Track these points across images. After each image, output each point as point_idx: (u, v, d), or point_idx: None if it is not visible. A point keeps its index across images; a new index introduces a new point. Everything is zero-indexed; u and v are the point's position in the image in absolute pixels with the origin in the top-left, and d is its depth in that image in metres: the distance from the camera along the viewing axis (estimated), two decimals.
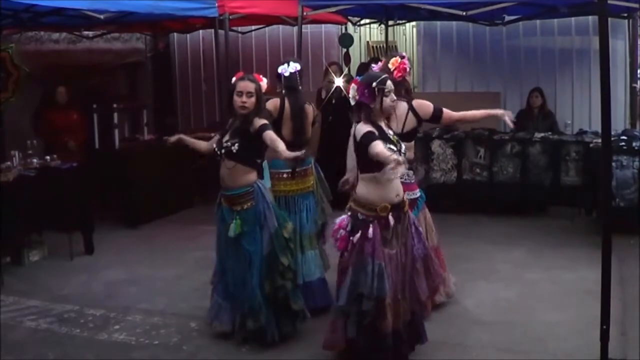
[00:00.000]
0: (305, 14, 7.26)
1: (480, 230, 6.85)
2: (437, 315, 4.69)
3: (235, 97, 4.25)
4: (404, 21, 9.98)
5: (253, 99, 4.24)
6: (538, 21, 8.53)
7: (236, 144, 4.23)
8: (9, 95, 7.14)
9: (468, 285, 5.26)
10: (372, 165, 3.69)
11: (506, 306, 4.94)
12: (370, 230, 3.73)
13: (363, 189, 3.81)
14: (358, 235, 3.77)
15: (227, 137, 4.31)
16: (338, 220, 3.93)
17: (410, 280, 3.90)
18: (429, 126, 6.42)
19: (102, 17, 6.30)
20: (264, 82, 4.40)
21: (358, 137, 3.71)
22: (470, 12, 6.97)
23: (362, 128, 3.71)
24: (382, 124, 3.82)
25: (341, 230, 3.87)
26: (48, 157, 6.39)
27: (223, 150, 4.28)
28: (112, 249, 6.60)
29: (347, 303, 3.75)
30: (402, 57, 4.58)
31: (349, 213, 3.88)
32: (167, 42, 10.12)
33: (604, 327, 3.86)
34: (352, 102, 3.82)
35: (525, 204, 7.56)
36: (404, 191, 3.97)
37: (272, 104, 4.76)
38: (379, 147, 3.55)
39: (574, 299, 5.01)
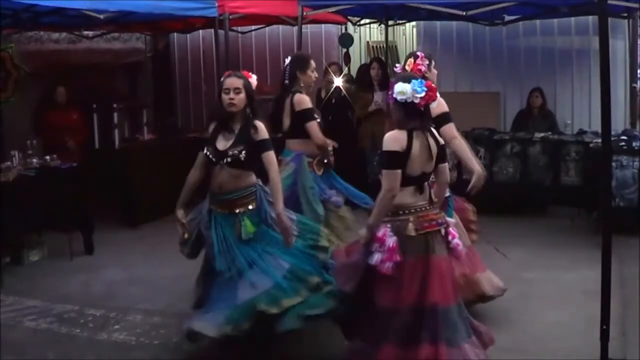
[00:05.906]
0: (305, 13, 7.26)
1: (480, 230, 6.83)
2: None
3: (224, 95, 4.03)
4: (404, 21, 9.98)
5: (242, 95, 4.04)
6: (538, 21, 8.51)
7: (243, 152, 4.01)
8: (9, 95, 7.14)
9: None
10: None
11: (506, 306, 4.92)
12: None
13: None
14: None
15: (229, 144, 4.03)
16: None
17: None
18: None
19: (102, 17, 6.30)
20: (253, 79, 4.26)
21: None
22: (470, 12, 6.97)
23: None
24: None
25: None
26: (48, 157, 6.38)
27: (229, 160, 4.01)
28: (112, 249, 6.59)
29: None
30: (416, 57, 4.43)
31: None
32: (167, 42, 10.11)
33: (604, 327, 3.86)
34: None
35: (525, 204, 7.55)
36: None
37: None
38: None
39: (574, 299, 5.02)
